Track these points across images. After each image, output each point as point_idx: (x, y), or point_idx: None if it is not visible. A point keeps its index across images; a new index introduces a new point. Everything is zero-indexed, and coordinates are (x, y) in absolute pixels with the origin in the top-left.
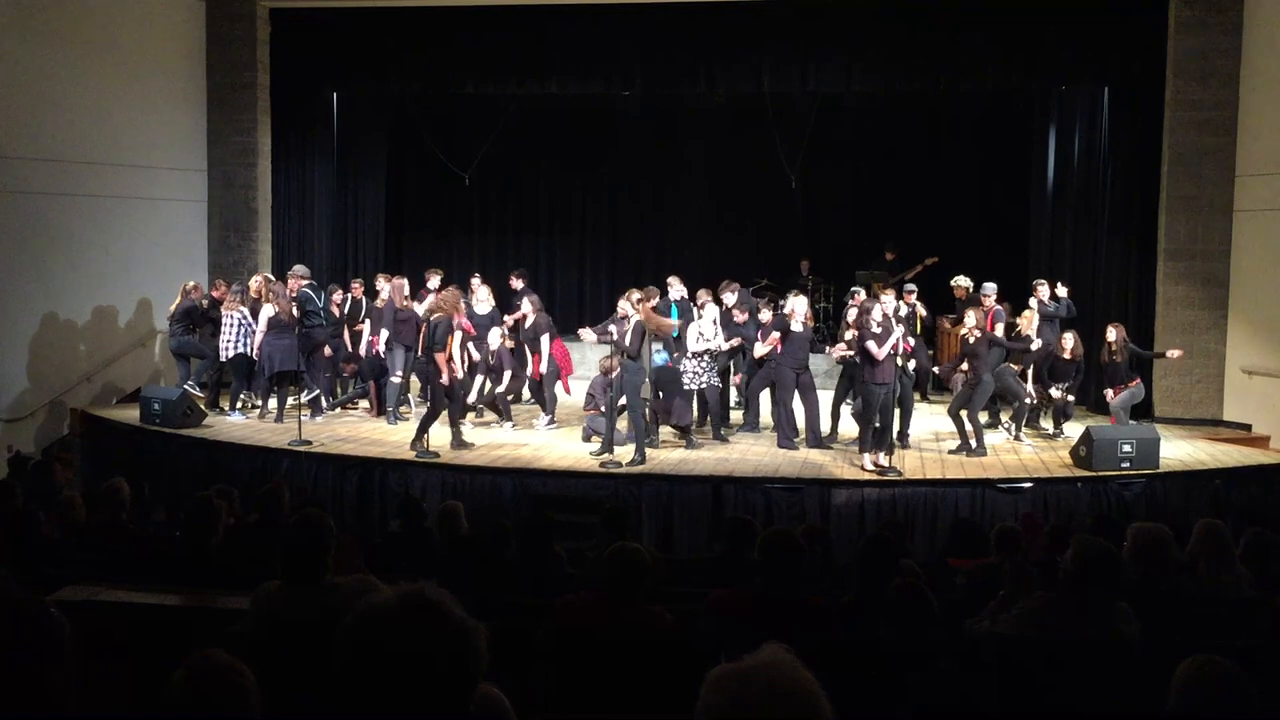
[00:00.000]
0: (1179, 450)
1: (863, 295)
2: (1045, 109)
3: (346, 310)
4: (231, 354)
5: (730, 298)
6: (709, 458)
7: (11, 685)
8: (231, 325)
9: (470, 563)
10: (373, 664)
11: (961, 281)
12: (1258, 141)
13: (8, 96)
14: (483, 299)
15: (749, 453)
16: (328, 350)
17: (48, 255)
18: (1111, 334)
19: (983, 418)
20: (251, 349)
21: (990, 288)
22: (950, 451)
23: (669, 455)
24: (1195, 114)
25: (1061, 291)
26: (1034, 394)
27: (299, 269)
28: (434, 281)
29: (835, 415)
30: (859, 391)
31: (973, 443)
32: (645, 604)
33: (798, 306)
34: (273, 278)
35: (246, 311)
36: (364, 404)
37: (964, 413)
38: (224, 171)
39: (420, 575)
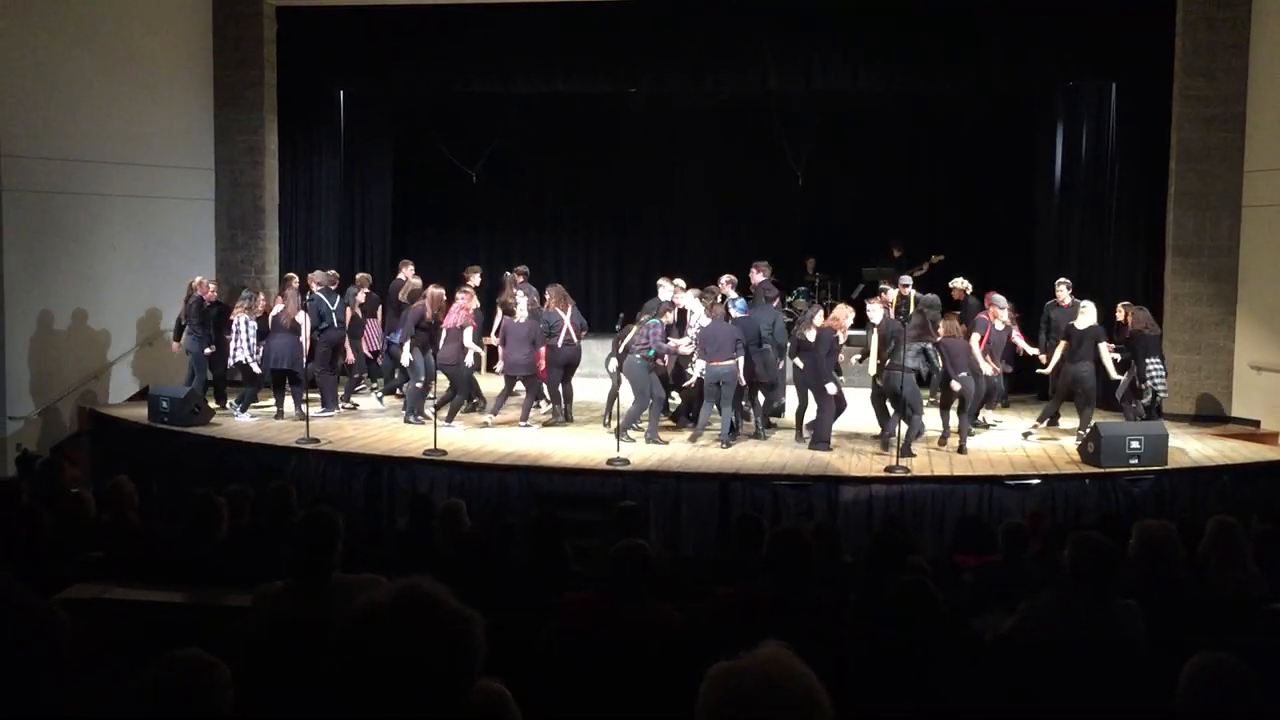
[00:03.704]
0: (1187, 447)
1: (893, 294)
2: (1052, 105)
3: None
4: (240, 359)
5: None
6: (716, 455)
7: (10, 684)
8: (241, 331)
9: (476, 561)
10: (370, 659)
11: (959, 284)
12: (1266, 137)
13: (15, 96)
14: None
15: (756, 450)
16: (350, 355)
17: (55, 253)
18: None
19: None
20: (253, 354)
21: (1000, 300)
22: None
23: (676, 453)
24: (1203, 110)
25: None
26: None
27: (318, 274)
28: (474, 280)
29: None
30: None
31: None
32: (651, 603)
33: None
34: (292, 275)
35: (253, 320)
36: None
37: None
38: (231, 170)
39: (427, 574)
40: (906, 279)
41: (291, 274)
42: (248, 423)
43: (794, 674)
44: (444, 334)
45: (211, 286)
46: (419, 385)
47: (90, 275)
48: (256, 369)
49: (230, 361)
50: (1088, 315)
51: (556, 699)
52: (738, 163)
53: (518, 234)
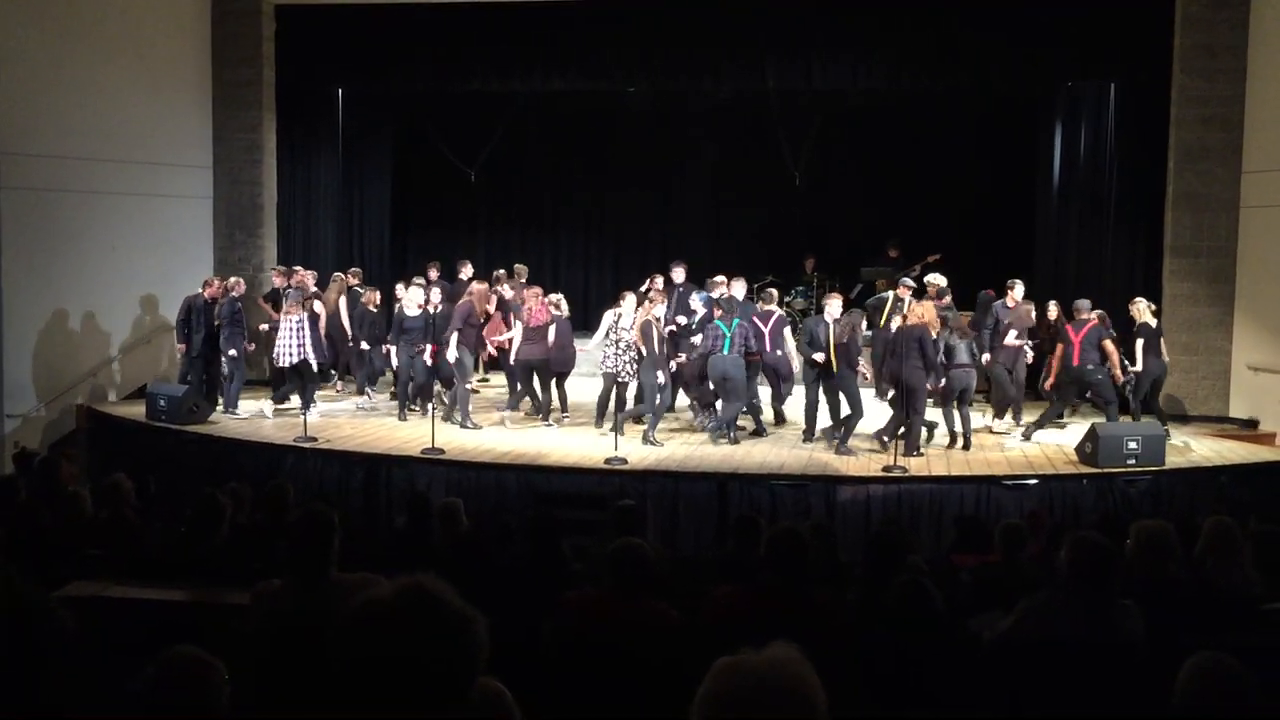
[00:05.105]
0: (1185, 447)
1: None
2: (1051, 105)
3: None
4: (294, 360)
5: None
6: (714, 455)
7: (14, 681)
8: (290, 330)
9: (474, 560)
10: (371, 657)
11: (939, 281)
12: (1264, 138)
13: (13, 93)
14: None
15: (754, 449)
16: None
17: (54, 251)
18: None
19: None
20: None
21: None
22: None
23: (674, 452)
24: (1202, 110)
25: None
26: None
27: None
28: (523, 278)
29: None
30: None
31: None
32: (649, 601)
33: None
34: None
35: (304, 317)
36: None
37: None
38: (229, 168)
39: (427, 573)
40: (909, 280)
41: (338, 274)
42: (245, 419)
43: (795, 674)
44: (523, 333)
45: (243, 286)
46: (468, 386)
47: (88, 273)
48: (315, 364)
49: (286, 360)
50: (1148, 314)
51: (555, 698)
52: (737, 162)
53: (516, 233)
